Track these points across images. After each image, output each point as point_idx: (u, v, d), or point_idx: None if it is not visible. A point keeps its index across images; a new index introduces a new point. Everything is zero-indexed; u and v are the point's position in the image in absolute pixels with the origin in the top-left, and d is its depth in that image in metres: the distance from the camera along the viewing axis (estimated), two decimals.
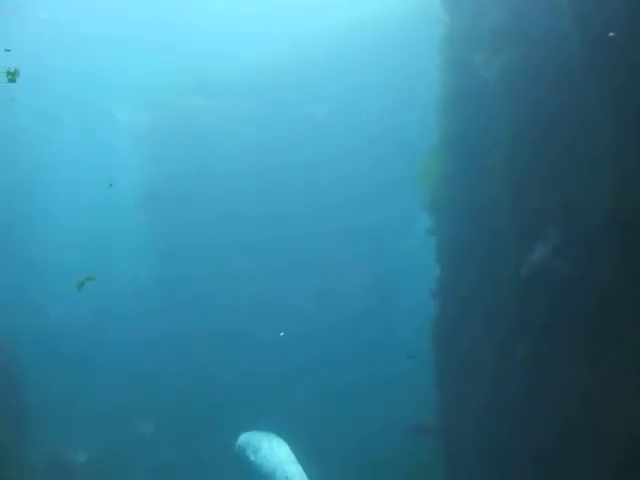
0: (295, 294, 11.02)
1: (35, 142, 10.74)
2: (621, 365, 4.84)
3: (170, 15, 11.39)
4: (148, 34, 11.21)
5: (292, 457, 8.92)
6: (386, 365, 9.29)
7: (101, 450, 9.49)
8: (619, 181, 4.86)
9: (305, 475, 8.72)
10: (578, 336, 5.22)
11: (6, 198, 8.68)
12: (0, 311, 9.49)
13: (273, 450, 9.06)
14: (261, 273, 11.32)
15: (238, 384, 10.41)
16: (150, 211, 11.50)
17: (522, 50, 5.96)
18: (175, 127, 11.75)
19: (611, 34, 4.77)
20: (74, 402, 9.86)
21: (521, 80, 5.98)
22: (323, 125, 11.10)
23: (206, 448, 9.67)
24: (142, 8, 11.17)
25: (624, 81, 4.82)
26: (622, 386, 4.82)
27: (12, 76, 6.67)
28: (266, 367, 10.48)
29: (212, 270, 11.24)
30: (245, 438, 9.43)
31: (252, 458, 9.07)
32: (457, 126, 6.90)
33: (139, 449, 9.76)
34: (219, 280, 11.24)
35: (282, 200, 11.28)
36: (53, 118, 10.98)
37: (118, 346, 10.75)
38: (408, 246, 10.28)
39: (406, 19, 9.90)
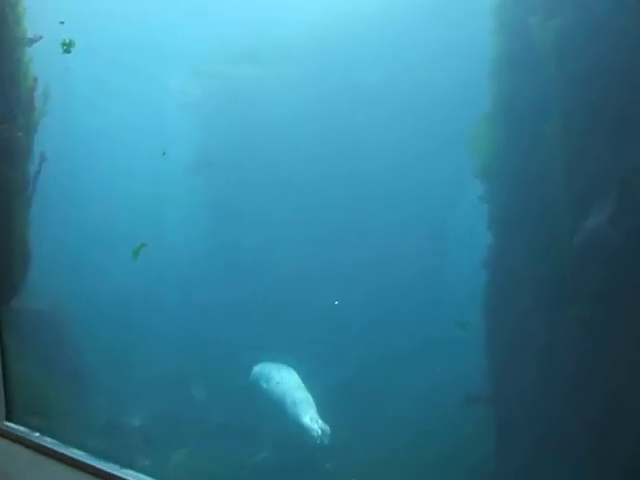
0: (346, 260, 11.02)
1: (89, 110, 10.87)
2: None
3: None
4: (199, 1, 11.21)
5: (301, 384, 9.58)
6: (435, 333, 9.28)
7: (155, 414, 9.70)
8: None
9: (312, 399, 9.27)
10: (632, 306, 5.16)
11: (64, 165, 8.84)
12: (59, 275, 9.71)
13: (283, 378, 9.71)
14: (313, 239, 11.35)
15: (290, 350, 10.51)
16: (203, 178, 11.61)
17: (578, 12, 5.82)
18: (227, 95, 11.76)
19: None
20: (129, 367, 10.06)
21: (577, 43, 5.84)
22: (375, 90, 11.00)
23: (253, 414, 9.83)
24: None
25: None
26: None
27: (67, 47, 6.81)
28: (318, 333, 10.56)
29: (264, 237, 11.31)
30: (258, 368, 10.10)
31: (265, 386, 9.67)
32: (510, 91, 6.78)
33: (192, 413, 9.97)
34: (272, 247, 11.31)
35: (333, 166, 11.24)
36: (106, 86, 11.09)
37: (172, 312, 10.93)
38: (459, 213, 10.19)
39: None
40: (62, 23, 7.07)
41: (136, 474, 6.78)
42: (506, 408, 6.81)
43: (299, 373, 10.05)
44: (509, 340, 6.78)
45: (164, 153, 8.93)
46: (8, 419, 7.72)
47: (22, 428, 7.61)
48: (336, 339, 10.52)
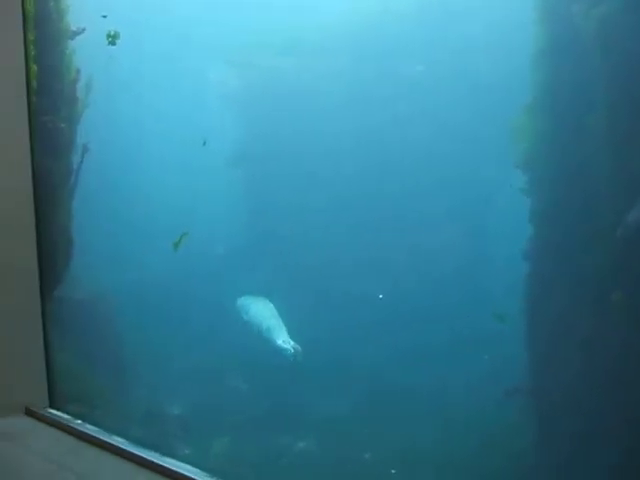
0: (384, 252, 10.99)
1: (131, 102, 10.97)
2: None
3: None
4: None
5: (275, 314, 10.62)
6: (474, 325, 9.22)
7: (195, 403, 9.79)
8: None
9: (285, 328, 10.34)
10: None
11: (105, 156, 8.94)
12: (101, 266, 9.82)
13: (259, 309, 10.67)
14: (352, 231, 11.33)
15: (328, 341, 10.52)
16: (242, 170, 11.66)
17: (623, 1, 5.74)
18: (266, 86, 11.78)
19: None
20: (169, 356, 10.16)
21: (622, 32, 5.75)
22: (416, 82, 10.93)
23: (296, 402, 9.88)
24: None
25: None
26: None
27: (112, 39, 6.89)
28: (356, 324, 10.55)
29: (303, 229, 11.32)
30: (240, 301, 11.05)
31: (245, 317, 10.73)
32: (553, 82, 6.70)
33: (232, 402, 10.04)
34: (310, 238, 11.31)
35: (373, 157, 11.20)
36: (148, 78, 11.18)
37: (212, 303, 11.00)
38: (500, 205, 10.10)
39: None
40: (105, 17, 7.15)
41: (176, 462, 6.85)
42: (547, 401, 6.75)
43: (333, 361, 10.23)
44: (550, 332, 6.72)
45: (204, 143, 9.00)
46: (51, 406, 7.85)
47: (65, 415, 7.73)
48: (375, 330, 10.51)
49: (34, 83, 6.48)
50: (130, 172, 11.39)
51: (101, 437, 7.26)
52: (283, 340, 10.18)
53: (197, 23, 11.16)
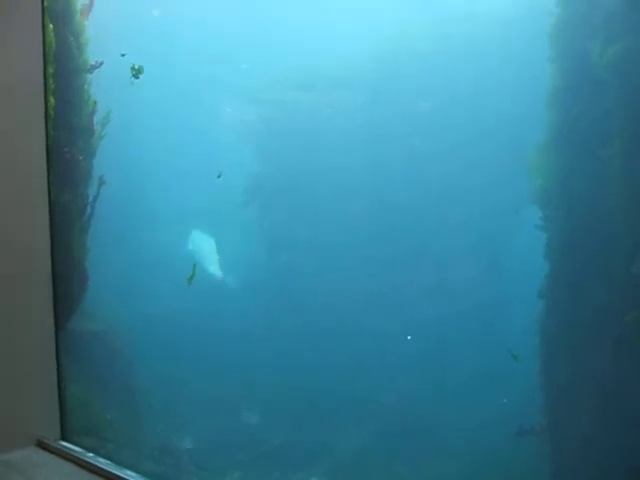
0: (401, 288, 10.95)
1: (148, 134, 11.09)
2: None
3: (279, 11, 11.51)
4: (257, 30, 11.37)
5: (213, 247, 12.20)
6: (489, 363, 9.14)
7: (207, 437, 9.72)
8: None
9: (217, 256, 11.94)
10: None
11: (121, 189, 9.00)
12: (115, 298, 9.84)
13: (202, 242, 12.15)
14: (368, 266, 11.31)
15: (344, 376, 10.45)
16: (257, 204, 11.70)
17: (637, 38, 5.73)
18: (283, 121, 11.88)
19: None
20: (182, 390, 10.12)
21: (637, 70, 5.75)
22: (432, 119, 10.98)
23: (310, 437, 9.78)
24: (250, 4, 11.34)
25: None
26: None
27: (136, 72, 6.96)
28: (373, 360, 10.49)
29: (320, 264, 11.31)
30: (190, 235, 12.42)
31: (190, 247, 12.18)
32: (569, 118, 6.70)
33: (244, 437, 9.96)
34: (326, 273, 11.30)
35: (391, 194, 11.22)
36: (165, 111, 11.31)
37: (225, 338, 10.97)
38: (516, 241, 10.07)
39: (514, 11, 9.68)
40: (123, 55, 7.25)
41: None
42: (562, 441, 6.64)
43: (349, 396, 10.16)
44: (566, 372, 6.62)
45: (219, 176, 9.04)
46: (63, 438, 7.79)
47: (76, 448, 7.65)
48: (391, 367, 10.44)
49: (53, 115, 6.54)
50: (145, 206, 11.46)
51: (113, 471, 7.16)
52: (214, 268, 11.75)
53: (215, 60, 11.31)
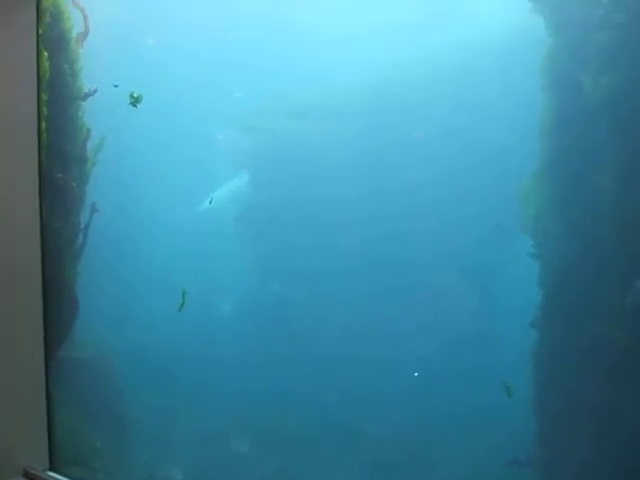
0: (394, 319, 10.91)
1: (141, 162, 11.10)
2: None
3: (274, 40, 11.57)
4: (251, 59, 11.43)
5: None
6: (481, 395, 9.08)
7: (197, 468, 9.62)
8: None
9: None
10: None
11: (113, 216, 9.00)
12: (105, 326, 9.78)
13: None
14: (361, 297, 11.27)
15: (336, 406, 10.39)
16: (251, 233, 11.68)
17: (630, 70, 5.79)
18: (276, 150, 11.89)
19: None
20: (172, 420, 10.03)
21: (630, 101, 5.79)
22: (425, 149, 11.01)
23: (301, 469, 9.70)
24: (243, 34, 11.40)
25: None
26: None
27: (134, 100, 6.98)
28: (365, 390, 10.43)
29: (314, 293, 11.27)
30: None
31: None
32: (561, 148, 6.74)
33: (235, 468, 9.86)
34: (321, 303, 11.25)
35: (383, 223, 11.22)
36: (159, 139, 11.33)
37: (217, 367, 10.89)
38: (510, 270, 10.06)
39: (507, 41, 9.75)
40: (116, 86, 7.29)
41: None
42: (556, 472, 6.59)
43: (340, 429, 10.08)
44: (560, 402, 6.59)
45: (210, 202, 9.05)
46: (51, 469, 7.70)
47: (65, 479, 7.57)
48: (383, 397, 10.38)
49: (45, 142, 6.54)
50: (137, 234, 11.43)
51: None
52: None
53: (208, 88, 11.34)
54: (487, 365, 9.84)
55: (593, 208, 6.18)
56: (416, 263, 10.83)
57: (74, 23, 6.98)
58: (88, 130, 7.24)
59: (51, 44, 6.58)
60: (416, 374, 10.05)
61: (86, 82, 7.19)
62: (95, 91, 7.14)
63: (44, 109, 6.45)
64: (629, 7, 5.72)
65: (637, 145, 5.74)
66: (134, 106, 7.02)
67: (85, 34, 7.01)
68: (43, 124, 6.36)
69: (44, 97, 6.43)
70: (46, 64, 6.43)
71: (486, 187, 10.07)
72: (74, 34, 7.04)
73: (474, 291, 10.79)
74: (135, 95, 7.02)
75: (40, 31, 6.35)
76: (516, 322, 7.57)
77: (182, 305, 7.42)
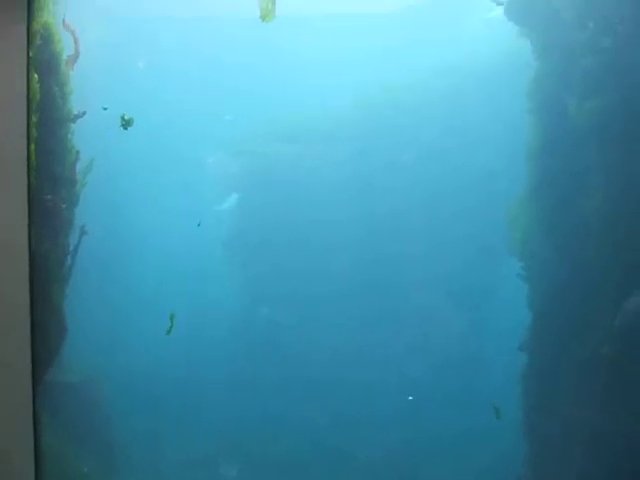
0: (383, 342, 10.90)
1: (130, 184, 11.10)
2: None
3: (263, 65, 11.63)
4: (241, 83, 11.47)
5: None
6: (471, 418, 9.07)
7: None
8: None
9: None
10: None
11: (103, 239, 8.97)
12: (95, 351, 9.72)
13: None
14: (350, 321, 11.25)
15: (326, 430, 10.33)
16: (241, 256, 11.65)
17: (616, 95, 5.84)
18: (267, 174, 11.88)
19: None
20: (161, 445, 9.96)
21: (615, 125, 5.84)
22: (416, 172, 11.05)
23: None
24: (235, 58, 11.45)
25: None
26: None
27: (126, 123, 6.99)
28: (355, 413, 10.39)
29: (304, 317, 11.24)
30: None
31: None
32: (548, 172, 6.79)
33: None
34: (312, 327, 11.22)
35: (373, 247, 11.23)
36: (148, 161, 11.33)
37: (206, 391, 10.83)
38: (499, 292, 10.09)
39: (494, 64, 9.84)
40: (105, 109, 7.30)
41: None
42: None
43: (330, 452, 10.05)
44: (549, 426, 6.58)
45: (199, 224, 9.04)
46: None
47: None
48: (373, 420, 10.34)
49: (35, 164, 6.53)
50: (126, 256, 11.39)
51: None
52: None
53: (199, 111, 11.36)
54: (476, 388, 9.83)
55: (580, 231, 6.22)
56: (406, 286, 10.82)
57: (65, 46, 7.00)
58: (77, 152, 7.23)
59: (41, 66, 6.60)
60: (410, 398, 10.02)
61: (76, 104, 7.20)
62: (84, 113, 7.15)
63: (34, 131, 6.43)
64: (614, 32, 5.78)
65: (623, 169, 5.78)
66: (125, 128, 7.03)
67: (76, 57, 7.02)
68: (32, 146, 6.35)
69: (34, 119, 6.42)
70: (36, 86, 6.43)
71: (474, 210, 10.11)
72: (65, 57, 7.06)
73: (463, 314, 10.79)
74: (126, 118, 7.03)
75: (30, 53, 6.37)
76: (505, 345, 7.58)
77: (171, 329, 7.39)
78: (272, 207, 11.66)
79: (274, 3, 5.41)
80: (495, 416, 7.40)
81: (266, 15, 5.42)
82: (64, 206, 7.26)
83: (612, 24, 5.75)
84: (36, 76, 6.43)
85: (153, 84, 11.23)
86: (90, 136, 7.20)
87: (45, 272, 7.28)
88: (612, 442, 5.59)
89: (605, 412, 5.72)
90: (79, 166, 7.37)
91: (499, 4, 7.06)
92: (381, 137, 11.16)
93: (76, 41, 7.04)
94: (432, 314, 10.96)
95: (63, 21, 6.83)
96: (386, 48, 11.03)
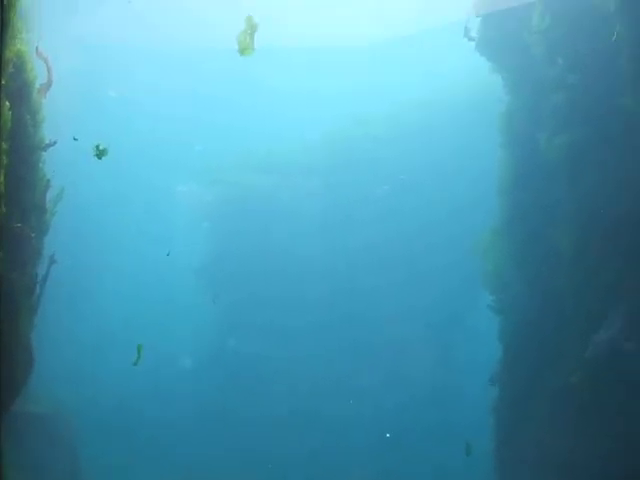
0: (355, 375, 10.86)
1: (101, 214, 11.06)
2: None
3: (239, 97, 11.69)
4: (218, 116, 11.53)
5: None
6: (444, 451, 9.01)
7: None
8: None
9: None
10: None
11: (72, 268, 8.88)
12: (61, 380, 9.60)
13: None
14: (323, 353, 11.21)
15: (300, 463, 10.23)
16: (211, 287, 11.59)
17: (584, 129, 5.90)
18: (240, 204, 11.90)
19: None
20: (126, 477, 9.79)
21: (585, 160, 5.88)
22: (390, 205, 11.10)
23: None
24: (213, 90, 11.52)
25: None
26: None
27: (100, 153, 6.92)
28: (327, 447, 10.31)
29: (276, 348, 11.18)
30: None
31: None
32: (519, 205, 6.82)
33: None
34: (283, 359, 11.16)
35: (346, 279, 11.23)
36: (119, 190, 11.30)
37: (173, 423, 10.71)
38: (470, 325, 10.11)
39: (466, 99, 9.94)
40: (76, 140, 7.26)
41: None
42: None
43: None
44: (520, 457, 6.54)
45: (168, 254, 8.99)
46: None
47: None
48: (345, 455, 10.26)
49: (4, 192, 6.46)
50: (95, 286, 11.31)
51: None
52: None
53: (170, 142, 11.40)
54: (449, 421, 9.83)
55: (551, 262, 6.25)
56: (379, 318, 10.83)
57: (37, 74, 6.97)
58: (48, 180, 7.16)
59: (13, 94, 6.55)
60: (388, 435, 9.97)
61: (48, 133, 7.16)
62: (55, 142, 7.09)
63: (4, 158, 6.38)
64: (583, 69, 5.85)
65: (592, 203, 5.82)
66: (99, 158, 6.97)
67: (48, 85, 6.98)
68: (2, 173, 6.29)
69: (4, 146, 6.37)
70: (8, 114, 6.38)
71: (447, 243, 10.16)
72: (37, 85, 7.02)
73: (436, 347, 10.81)
74: (101, 148, 6.98)
75: (2, 81, 6.32)
76: (477, 377, 7.56)
77: (137, 360, 7.27)
78: (245, 237, 11.65)
79: (252, 38, 5.41)
80: (465, 452, 7.36)
81: (245, 49, 5.41)
82: (33, 235, 7.16)
83: (580, 60, 5.82)
84: (8, 104, 6.37)
85: (125, 113, 11.25)
86: (61, 165, 7.15)
87: (13, 302, 7.16)
88: (584, 472, 5.57)
89: (577, 443, 5.70)
90: (49, 195, 7.28)
91: (471, 40, 7.13)
92: (356, 170, 11.22)
93: (49, 69, 7.00)
94: (405, 347, 10.95)
95: (36, 49, 6.79)
96: (361, 82, 11.16)
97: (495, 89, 6.94)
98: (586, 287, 5.81)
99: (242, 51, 5.55)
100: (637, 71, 5.13)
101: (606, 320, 5.47)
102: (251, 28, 5.29)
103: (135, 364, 6.89)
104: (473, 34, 7.14)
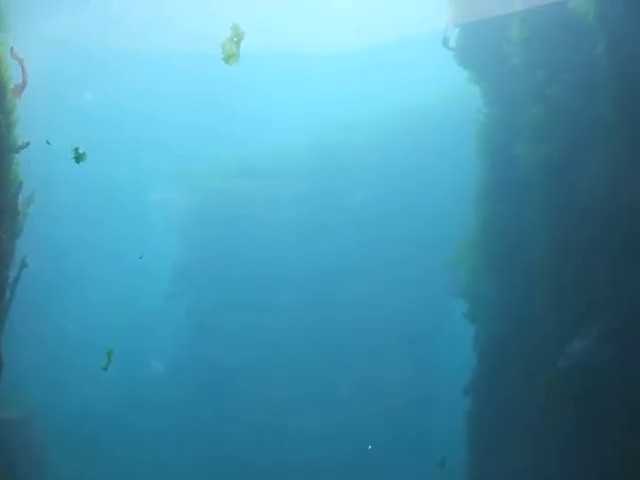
0: (330, 386, 10.84)
1: (72, 217, 10.95)
2: None
3: (219, 102, 11.68)
4: (195, 119, 11.49)
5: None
6: (419, 462, 8.99)
7: None
8: None
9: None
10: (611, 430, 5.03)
11: (44, 272, 8.77)
12: (31, 386, 9.47)
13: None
14: (298, 362, 11.18)
15: (273, 472, 10.17)
16: (184, 292, 11.53)
17: (562, 141, 5.93)
18: (215, 209, 11.88)
19: None
20: None
21: (562, 171, 5.91)
22: (364, 211, 11.12)
23: None
24: (192, 95, 11.49)
25: None
26: None
27: (79, 156, 6.82)
28: (298, 460, 10.27)
29: (247, 355, 11.13)
30: None
31: None
32: (496, 214, 6.85)
33: None
34: (255, 366, 11.11)
35: (322, 286, 11.24)
36: (93, 193, 11.21)
37: (143, 431, 10.61)
38: (444, 335, 10.14)
39: (446, 108, 10.00)
40: (49, 144, 7.16)
41: None
42: None
43: None
44: (496, 471, 6.54)
45: (141, 257, 8.92)
46: None
47: None
48: (316, 468, 10.22)
49: None
50: (66, 290, 11.19)
51: None
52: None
53: (146, 147, 11.33)
54: (425, 431, 9.82)
55: (526, 274, 6.26)
56: (353, 327, 10.83)
57: (12, 75, 6.88)
58: (21, 182, 7.06)
59: None
60: (369, 447, 9.95)
61: (21, 134, 7.06)
62: (27, 144, 6.99)
63: None
64: (562, 80, 5.88)
65: (569, 214, 5.85)
66: (77, 162, 6.88)
67: (23, 86, 6.88)
68: None
69: None
70: None
71: (422, 251, 10.20)
72: (12, 85, 6.92)
73: (411, 357, 10.83)
74: (80, 151, 6.88)
75: None
76: (454, 387, 7.57)
77: (107, 365, 7.18)
78: (221, 243, 11.63)
79: (239, 46, 5.36)
80: (440, 464, 7.34)
81: (230, 57, 5.35)
82: (4, 236, 7.03)
83: (558, 71, 5.86)
84: None
85: (100, 115, 11.16)
86: (34, 167, 7.05)
87: None
88: None
89: (549, 451, 5.71)
90: (21, 197, 7.16)
91: (450, 49, 7.16)
92: (333, 176, 11.25)
93: (24, 70, 6.90)
94: (381, 357, 10.95)
95: (11, 49, 6.69)
96: (341, 89, 11.19)
97: (474, 98, 6.99)
98: (562, 297, 5.83)
99: (227, 59, 5.48)
100: (615, 83, 5.16)
101: (581, 330, 5.49)
102: (237, 36, 5.21)
103: (105, 369, 6.78)
104: (452, 44, 7.19)
